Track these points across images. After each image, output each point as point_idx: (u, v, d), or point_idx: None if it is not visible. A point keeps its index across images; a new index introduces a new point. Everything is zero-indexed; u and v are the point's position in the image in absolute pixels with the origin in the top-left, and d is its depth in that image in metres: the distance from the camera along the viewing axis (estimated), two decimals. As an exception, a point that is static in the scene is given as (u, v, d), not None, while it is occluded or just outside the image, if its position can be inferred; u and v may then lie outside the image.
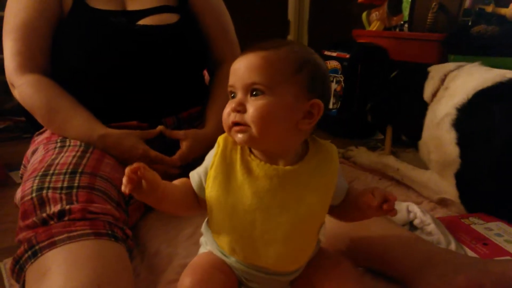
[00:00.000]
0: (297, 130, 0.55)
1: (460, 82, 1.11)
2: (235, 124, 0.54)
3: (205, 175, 0.58)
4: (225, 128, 0.56)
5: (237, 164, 0.56)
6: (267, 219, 0.55)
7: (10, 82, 0.90)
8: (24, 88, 0.87)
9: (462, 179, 1.03)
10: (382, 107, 1.44)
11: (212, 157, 0.58)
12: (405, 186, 1.20)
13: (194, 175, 0.60)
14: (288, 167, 0.55)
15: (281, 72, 0.53)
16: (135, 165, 0.51)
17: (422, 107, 1.19)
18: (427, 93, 1.19)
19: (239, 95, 0.54)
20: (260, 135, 0.52)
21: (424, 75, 1.23)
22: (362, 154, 1.40)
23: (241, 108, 0.53)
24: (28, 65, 0.88)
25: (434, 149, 1.11)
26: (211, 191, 0.57)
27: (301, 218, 0.56)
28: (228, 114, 0.54)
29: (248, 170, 0.56)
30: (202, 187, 0.59)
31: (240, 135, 0.54)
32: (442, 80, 1.17)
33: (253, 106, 0.52)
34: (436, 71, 1.21)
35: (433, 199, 1.10)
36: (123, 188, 0.51)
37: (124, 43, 0.90)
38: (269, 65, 0.53)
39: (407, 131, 1.33)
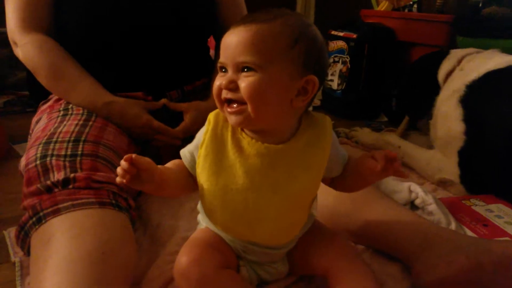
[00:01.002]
0: (291, 107, 0.53)
1: (475, 64, 1.11)
2: (228, 101, 0.52)
3: (197, 153, 0.57)
4: (217, 103, 0.54)
5: (228, 143, 0.55)
6: (259, 198, 0.55)
7: (12, 40, 0.88)
8: (28, 47, 0.86)
9: (465, 157, 1.03)
10: (404, 94, 1.43)
11: (202, 135, 0.56)
12: (407, 167, 1.19)
13: (186, 154, 0.59)
14: (279, 146, 0.54)
15: (273, 50, 0.50)
16: (126, 156, 0.50)
17: (437, 88, 1.18)
18: (442, 72, 1.19)
19: (230, 72, 0.52)
20: (256, 114, 0.51)
21: (443, 57, 1.22)
22: (364, 134, 1.39)
23: (232, 86, 0.51)
24: (31, 22, 0.86)
25: (440, 125, 1.11)
26: (202, 171, 0.56)
27: (293, 196, 0.56)
28: (218, 89, 0.53)
29: (239, 148, 0.55)
30: (195, 166, 0.58)
31: (234, 117, 0.52)
32: (459, 61, 1.16)
33: (244, 83, 0.50)
34: (455, 53, 1.21)
35: (433, 180, 1.09)
36: (118, 179, 0.51)
37: (129, 13, 0.89)
38: (261, 42, 0.50)
39: (422, 113, 1.30)
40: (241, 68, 0.51)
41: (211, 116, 0.57)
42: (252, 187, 0.54)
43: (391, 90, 1.58)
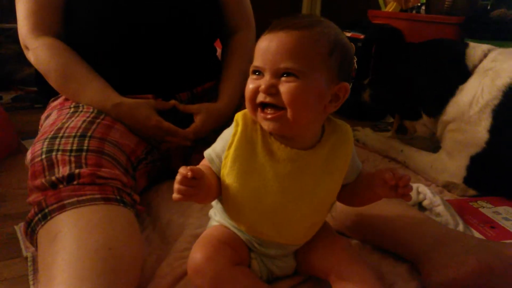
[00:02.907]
0: (324, 113, 0.54)
1: (508, 65, 1.02)
2: (265, 106, 0.52)
3: (223, 155, 0.56)
4: (249, 107, 0.54)
5: (258, 146, 0.55)
6: (288, 201, 0.56)
7: (24, 44, 0.89)
8: (39, 51, 0.86)
9: (477, 162, 1.01)
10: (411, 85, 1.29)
11: (231, 136, 0.56)
12: (411, 171, 1.19)
13: (215, 160, 0.58)
14: (308, 151, 0.55)
15: (315, 57, 0.51)
16: (185, 171, 0.49)
17: (453, 81, 1.10)
18: (470, 63, 1.09)
19: (268, 76, 0.51)
20: (294, 120, 0.51)
21: (463, 46, 1.13)
22: (368, 135, 1.39)
23: (273, 90, 0.51)
24: (42, 27, 0.87)
25: (460, 127, 1.05)
26: (230, 172, 0.56)
27: (318, 200, 0.58)
28: (253, 92, 0.52)
29: (269, 152, 0.55)
30: None
31: (271, 124, 0.52)
32: (485, 54, 1.08)
33: (287, 88, 0.50)
34: (475, 45, 1.12)
35: (438, 183, 1.09)
36: (174, 195, 0.49)
37: (137, 13, 0.89)
38: (302, 48, 0.51)
39: (428, 105, 1.20)
40: (281, 73, 0.51)
41: (239, 118, 0.57)
42: (282, 191, 0.55)
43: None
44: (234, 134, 0.56)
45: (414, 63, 1.23)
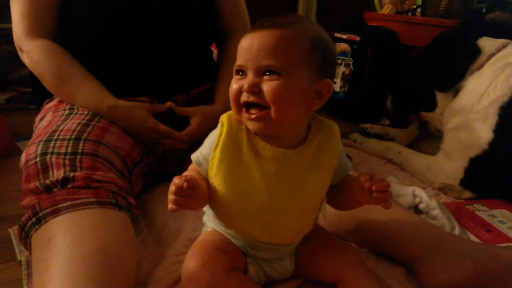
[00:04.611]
0: (308, 111, 0.54)
1: None
2: (248, 106, 0.52)
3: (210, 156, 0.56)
4: (234, 107, 0.54)
5: (244, 146, 0.55)
6: (275, 200, 0.56)
7: (19, 46, 0.88)
8: (34, 53, 0.86)
9: (476, 165, 1.01)
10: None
11: (216, 137, 0.56)
12: (408, 173, 1.19)
13: (203, 163, 0.58)
14: (294, 150, 0.55)
15: (296, 54, 0.52)
16: (180, 182, 0.49)
17: (464, 59, 1.11)
18: (488, 45, 1.09)
19: (251, 76, 0.52)
20: (278, 119, 0.51)
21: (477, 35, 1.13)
22: (367, 139, 1.40)
23: (255, 89, 0.51)
24: (37, 29, 0.86)
25: (466, 122, 1.03)
26: (217, 173, 0.56)
27: (306, 198, 0.57)
28: (237, 92, 0.52)
29: (255, 152, 0.55)
30: None
31: (256, 123, 0.52)
32: (504, 45, 1.07)
33: (269, 86, 0.50)
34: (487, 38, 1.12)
35: (434, 185, 1.09)
36: (170, 206, 0.50)
37: (133, 15, 0.89)
38: (284, 45, 0.51)
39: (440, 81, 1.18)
40: (263, 71, 0.51)
41: (224, 119, 0.57)
42: (269, 190, 0.55)
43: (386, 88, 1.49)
44: (220, 135, 0.56)
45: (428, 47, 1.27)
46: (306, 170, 0.56)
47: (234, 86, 0.53)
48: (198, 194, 0.53)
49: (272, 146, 0.55)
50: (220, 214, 0.60)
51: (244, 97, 0.52)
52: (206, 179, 0.58)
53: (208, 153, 0.57)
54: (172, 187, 0.50)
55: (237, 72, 0.54)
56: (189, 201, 0.51)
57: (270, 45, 0.51)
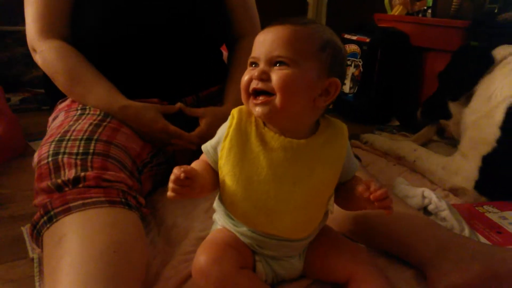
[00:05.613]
0: (313, 106, 0.56)
1: None
2: (257, 93, 0.55)
3: (219, 147, 0.59)
4: (244, 96, 0.57)
5: (252, 136, 0.57)
6: (280, 189, 0.57)
7: (32, 47, 0.90)
8: (47, 54, 0.87)
9: (489, 163, 1.01)
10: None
11: (226, 129, 0.59)
12: (419, 173, 1.19)
13: (209, 150, 0.61)
14: (302, 140, 0.57)
15: (307, 48, 0.55)
16: (179, 172, 0.52)
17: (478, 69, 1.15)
18: (501, 52, 1.12)
19: (262, 65, 0.55)
20: (282, 106, 0.54)
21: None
22: (378, 137, 1.39)
23: (264, 76, 0.54)
24: (50, 29, 0.88)
25: (478, 122, 1.07)
26: (226, 162, 0.58)
27: (312, 190, 0.58)
28: (248, 81, 0.56)
29: (263, 141, 0.57)
30: (217, 160, 0.60)
31: (260, 108, 0.55)
32: (511, 54, 1.11)
33: (277, 74, 0.54)
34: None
35: (445, 186, 1.08)
36: (169, 193, 0.53)
37: (143, 16, 0.90)
38: (296, 39, 0.54)
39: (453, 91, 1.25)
40: (274, 62, 0.54)
41: (234, 112, 0.60)
42: (275, 179, 0.56)
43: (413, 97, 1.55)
44: (230, 127, 0.59)
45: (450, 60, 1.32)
46: (313, 162, 0.58)
47: (245, 76, 0.56)
48: (195, 184, 0.55)
49: (280, 136, 0.57)
50: (227, 202, 0.61)
51: (254, 84, 0.55)
52: (213, 169, 0.61)
53: (216, 143, 0.60)
54: (171, 176, 0.53)
55: (251, 64, 0.57)
56: (187, 190, 0.53)
57: (283, 38, 0.54)
